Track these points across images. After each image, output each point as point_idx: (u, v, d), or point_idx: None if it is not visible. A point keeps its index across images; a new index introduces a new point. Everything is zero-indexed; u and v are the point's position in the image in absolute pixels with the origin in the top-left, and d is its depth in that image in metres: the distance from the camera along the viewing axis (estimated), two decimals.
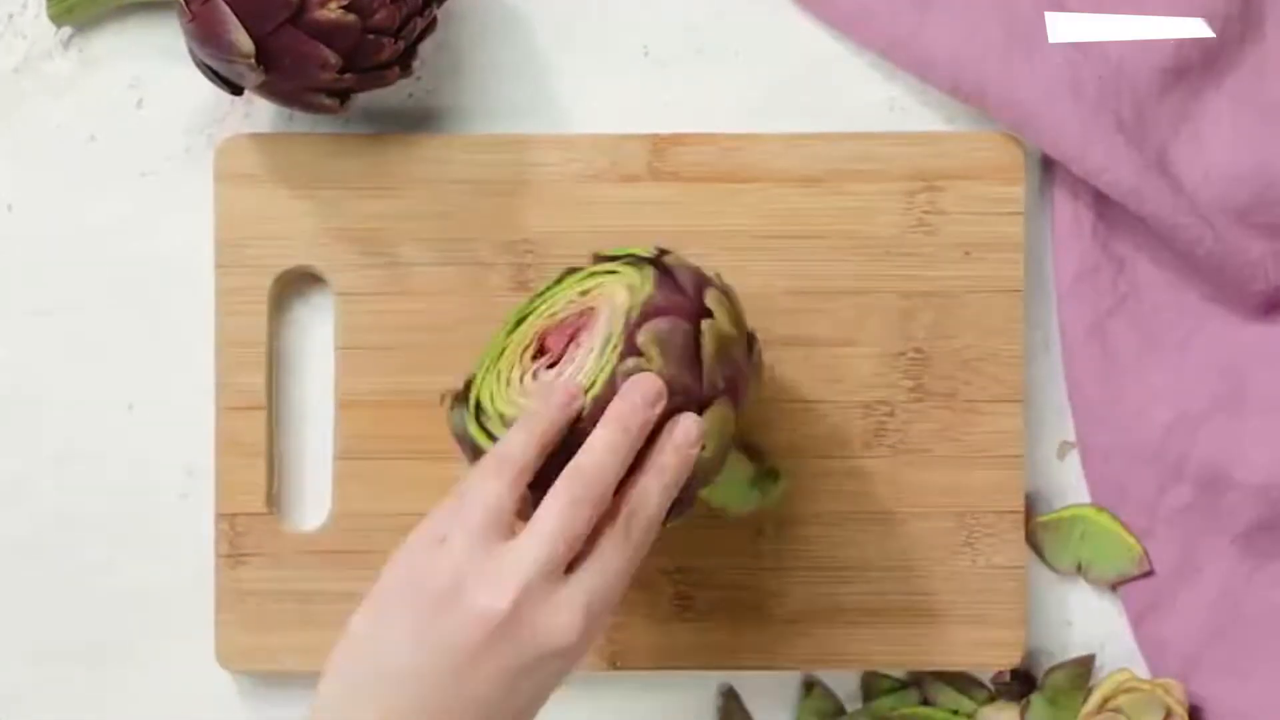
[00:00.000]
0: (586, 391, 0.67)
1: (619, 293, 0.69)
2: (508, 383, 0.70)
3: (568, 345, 0.69)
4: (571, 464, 0.65)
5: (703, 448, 0.67)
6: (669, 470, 0.66)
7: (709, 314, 0.69)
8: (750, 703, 0.83)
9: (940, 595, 0.81)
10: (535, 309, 0.72)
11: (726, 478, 0.73)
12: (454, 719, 0.63)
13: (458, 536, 0.64)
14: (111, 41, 0.84)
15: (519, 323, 0.72)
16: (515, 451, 0.65)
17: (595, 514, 0.64)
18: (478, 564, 0.63)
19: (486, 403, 0.70)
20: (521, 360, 0.70)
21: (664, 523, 0.68)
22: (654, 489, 0.65)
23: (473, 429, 0.70)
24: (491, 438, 0.69)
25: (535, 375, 0.69)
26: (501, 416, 0.69)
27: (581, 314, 0.70)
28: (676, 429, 0.66)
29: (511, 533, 0.64)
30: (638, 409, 0.66)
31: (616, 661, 0.81)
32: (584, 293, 0.71)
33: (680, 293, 0.69)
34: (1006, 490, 0.81)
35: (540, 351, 0.70)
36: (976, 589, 0.81)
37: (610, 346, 0.68)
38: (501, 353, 0.71)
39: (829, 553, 0.81)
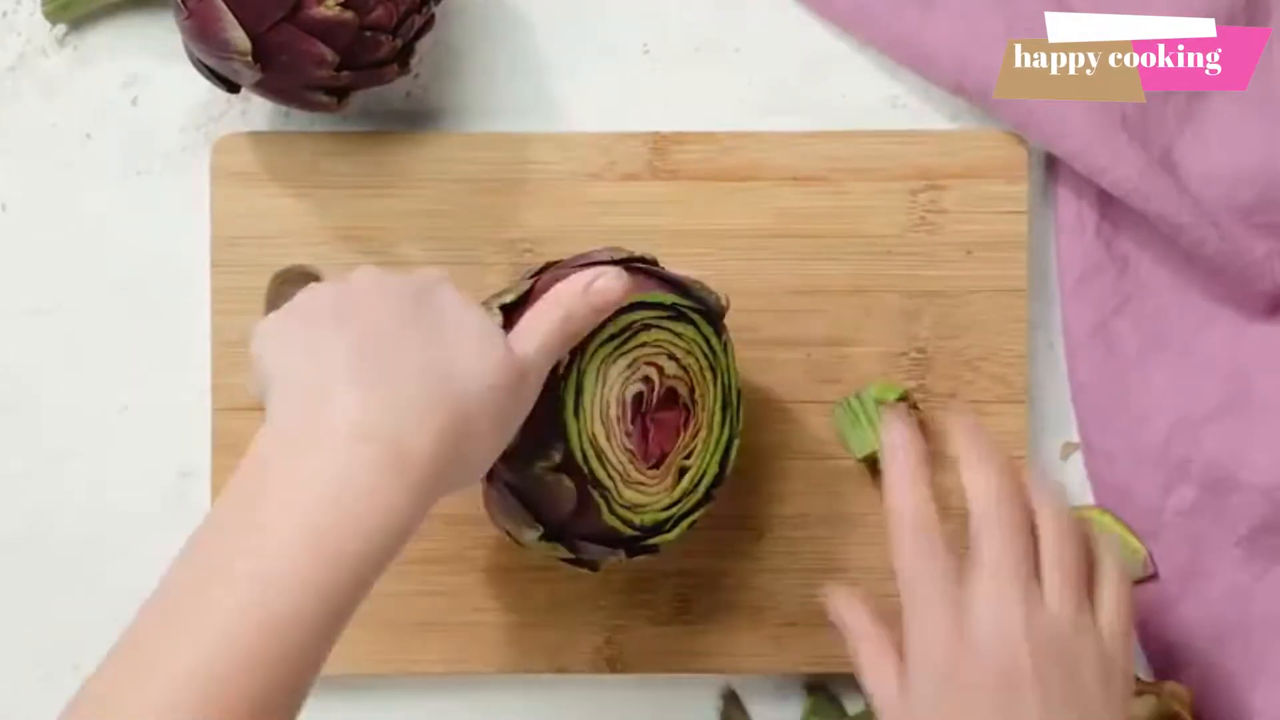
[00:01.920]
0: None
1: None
2: (623, 479, 0.71)
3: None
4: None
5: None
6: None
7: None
8: (751, 705, 0.82)
9: None
10: (586, 381, 0.71)
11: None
12: None
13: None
14: (107, 39, 0.83)
15: (577, 390, 0.70)
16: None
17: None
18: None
19: (614, 497, 0.71)
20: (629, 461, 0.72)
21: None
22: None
23: (610, 520, 0.71)
24: (629, 525, 0.71)
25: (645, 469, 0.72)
26: (635, 506, 0.72)
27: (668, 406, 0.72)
28: None
29: None
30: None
31: (616, 664, 0.80)
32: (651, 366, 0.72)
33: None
34: None
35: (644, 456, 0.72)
36: None
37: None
38: (593, 439, 0.71)
39: (830, 554, 0.81)
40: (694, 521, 0.73)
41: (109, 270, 0.83)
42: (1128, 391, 0.82)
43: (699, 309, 0.73)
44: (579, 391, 0.70)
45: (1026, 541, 0.67)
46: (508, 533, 0.73)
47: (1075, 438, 0.83)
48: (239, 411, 0.81)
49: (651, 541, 0.73)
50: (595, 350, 0.70)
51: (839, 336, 0.81)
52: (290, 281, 0.81)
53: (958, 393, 0.81)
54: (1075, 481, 0.83)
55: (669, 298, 0.72)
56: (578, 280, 0.68)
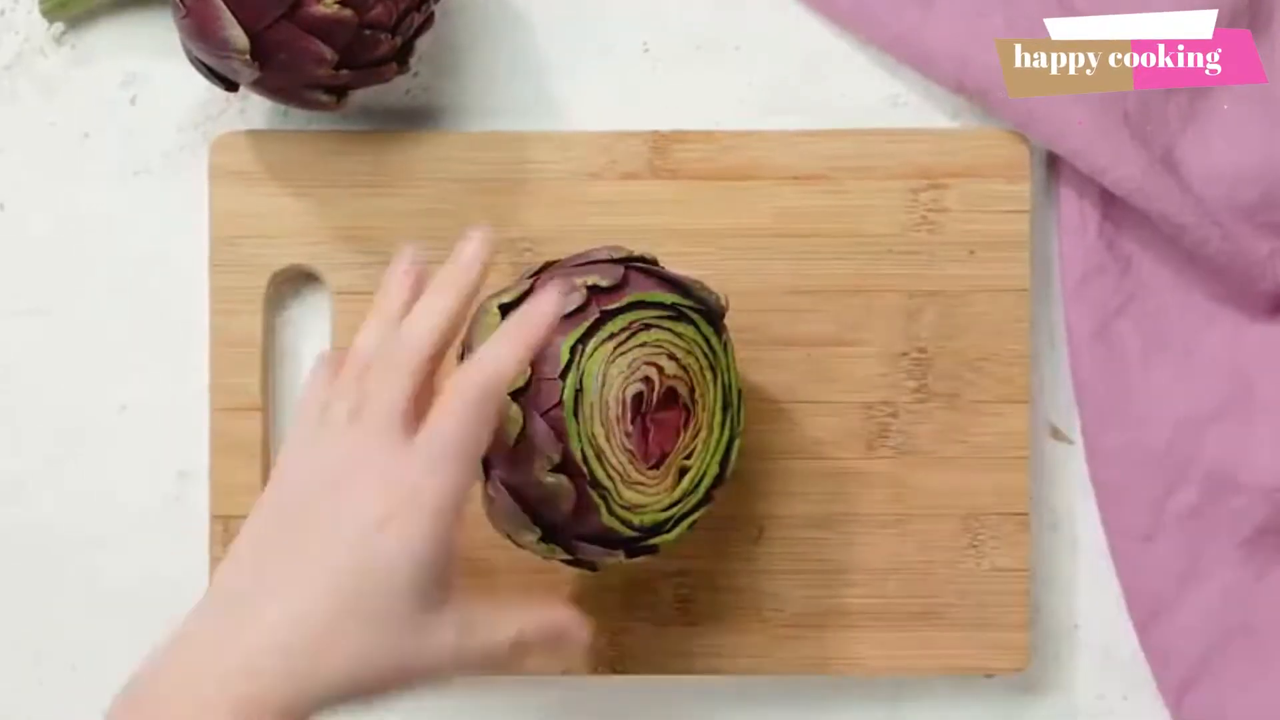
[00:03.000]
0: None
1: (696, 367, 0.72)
2: (623, 479, 0.71)
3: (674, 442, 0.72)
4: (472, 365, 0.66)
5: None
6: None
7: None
8: (751, 705, 0.82)
9: (944, 598, 0.80)
10: (588, 381, 0.70)
11: None
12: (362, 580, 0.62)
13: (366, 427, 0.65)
14: (105, 38, 0.83)
15: (576, 394, 0.70)
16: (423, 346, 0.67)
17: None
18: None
19: (614, 498, 0.71)
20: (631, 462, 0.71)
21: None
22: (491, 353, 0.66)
23: (609, 521, 0.71)
24: (629, 525, 0.71)
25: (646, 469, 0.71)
26: (634, 507, 0.71)
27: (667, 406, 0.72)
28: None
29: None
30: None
31: (617, 666, 0.80)
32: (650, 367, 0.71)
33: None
34: (1012, 492, 0.80)
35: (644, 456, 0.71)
36: (981, 592, 0.80)
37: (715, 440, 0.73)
38: (594, 441, 0.70)
39: (831, 555, 0.80)
40: (694, 522, 0.73)
41: (108, 270, 0.83)
42: (1130, 392, 0.81)
43: (699, 309, 0.73)
44: (579, 391, 0.70)
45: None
46: (507, 534, 0.73)
47: (1076, 437, 0.83)
48: (238, 411, 0.81)
49: (651, 542, 0.72)
50: (595, 350, 0.70)
51: (839, 336, 0.81)
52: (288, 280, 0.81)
53: (960, 393, 0.81)
54: (1066, 477, 0.83)
55: (669, 298, 0.72)
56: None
